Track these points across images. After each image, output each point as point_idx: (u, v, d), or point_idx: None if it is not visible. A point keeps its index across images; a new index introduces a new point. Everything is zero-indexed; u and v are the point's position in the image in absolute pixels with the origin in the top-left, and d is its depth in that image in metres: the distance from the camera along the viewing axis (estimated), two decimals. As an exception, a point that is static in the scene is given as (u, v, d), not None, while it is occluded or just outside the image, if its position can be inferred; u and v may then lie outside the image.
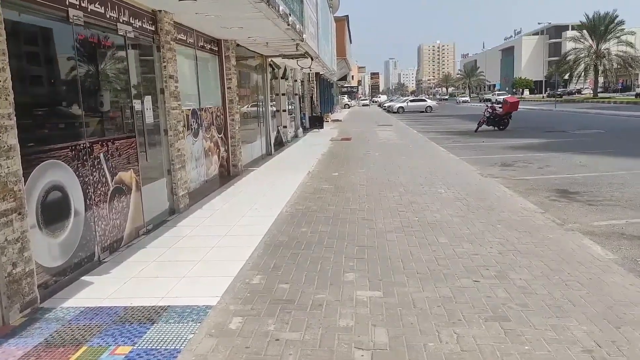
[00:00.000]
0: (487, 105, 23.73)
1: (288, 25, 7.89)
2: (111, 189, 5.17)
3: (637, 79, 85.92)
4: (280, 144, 16.73)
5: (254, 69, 12.88)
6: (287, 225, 6.32)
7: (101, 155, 5.01)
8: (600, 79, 64.14)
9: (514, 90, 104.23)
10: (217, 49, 9.79)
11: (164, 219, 6.61)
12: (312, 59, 13.65)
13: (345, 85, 67.04)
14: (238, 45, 10.51)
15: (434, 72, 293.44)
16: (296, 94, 20.90)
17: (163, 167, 6.84)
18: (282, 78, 17.12)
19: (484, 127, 23.07)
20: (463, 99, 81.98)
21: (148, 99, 6.26)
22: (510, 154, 14.20)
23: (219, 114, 9.78)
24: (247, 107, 12.17)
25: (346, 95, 73.34)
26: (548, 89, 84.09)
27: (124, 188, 5.46)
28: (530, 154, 14.05)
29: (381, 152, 14.49)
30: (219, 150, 9.79)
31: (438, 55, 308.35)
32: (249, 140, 12.06)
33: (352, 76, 69.48)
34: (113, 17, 5.44)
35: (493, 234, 5.81)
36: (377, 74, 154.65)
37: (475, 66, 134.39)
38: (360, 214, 6.95)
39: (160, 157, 6.76)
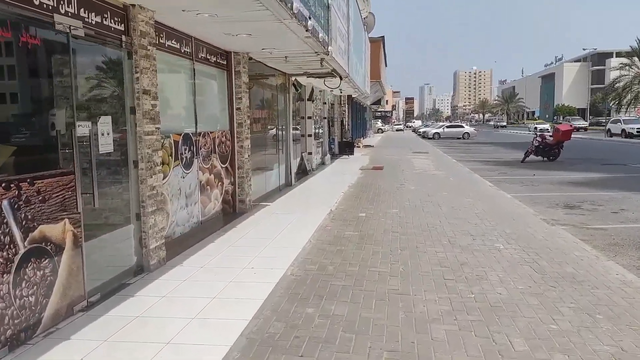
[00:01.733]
0: (535, 134, 21.46)
1: (307, 30, 6.22)
2: (21, 252, 3.49)
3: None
4: (304, 172, 15.01)
5: (274, 89, 11.28)
6: (288, 302, 4.49)
7: (4, 203, 3.34)
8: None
9: (554, 117, 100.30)
10: (225, 62, 8.21)
11: (122, 283, 4.90)
12: (341, 79, 11.99)
13: (379, 109, 65.39)
14: (252, 59, 8.92)
15: (469, 98, 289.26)
16: (325, 118, 19.27)
17: (131, 211, 5.16)
18: (308, 100, 15.51)
19: (532, 157, 20.86)
20: (501, 124, 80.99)
21: (105, 121, 4.63)
22: (571, 192, 12.03)
23: (224, 139, 8.13)
24: (264, 131, 10.54)
25: (380, 120, 71.60)
26: (591, 116, 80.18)
27: (48, 248, 3.77)
28: (596, 193, 11.84)
29: (417, 185, 12.55)
30: (222, 183, 8.11)
31: (474, 81, 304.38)
32: (264, 169, 10.39)
33: (387, 101, 67.84)
34: (47, 4, 3.84)
35: (595, 333, 3.82)
36: (412, 98, 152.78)
37: (513, 92, 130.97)
38: (391, 282, 5.06)
39: (121, 198, 5.09)
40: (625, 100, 56.09)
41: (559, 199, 10.98)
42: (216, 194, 7.82)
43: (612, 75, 79.11)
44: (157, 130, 5.33)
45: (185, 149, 6.61)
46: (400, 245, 6.56)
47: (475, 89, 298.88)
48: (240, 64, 8.35)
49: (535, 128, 24.24)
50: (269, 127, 10.83)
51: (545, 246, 6.50)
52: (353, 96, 28.33)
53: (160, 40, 5.87)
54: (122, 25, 4.91)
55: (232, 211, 8.54)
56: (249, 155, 8.77)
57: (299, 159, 14.84)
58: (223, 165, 8.12)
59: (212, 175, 7.64)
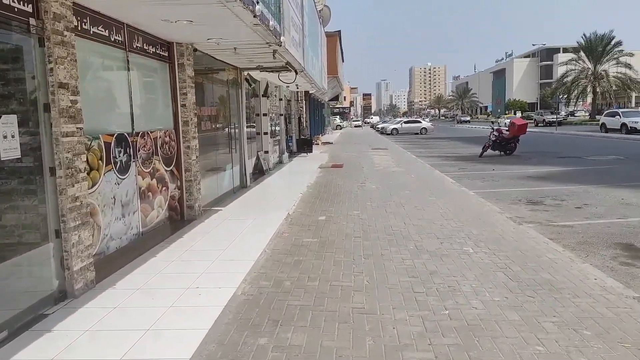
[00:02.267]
0: (492, 128, 21.54)
1: (255, 16, 5.54)
2: None
3: (631, 102, 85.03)
4: (260, 172, 14.30)
5: (225, 84, 10.52)
6: (237, 331, 3.83)
7: None
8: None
9: (507, 112, 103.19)
10: (166, 54, 7.42)
11: (40, 314, 4.11)
12: (296, 73, 11.35)
13: (337, 106, 65.12)
14: (198, 51, 8.15)
15: (425, 94, 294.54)
16: (281, 115, 18.58)
17: (49, 227, 4.36)
18: (263, 96, 14.78)
19: (489, 151, 20.91)
20: (464, 118, 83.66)
21: (8, 121, 3.82)
22: (532, 187, 11.86)
23: (167, 139, 7.35)
24: (215, 130, 9.77)
25: (338, 117, 71.36)
26: (541, 110, 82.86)
27: None
28: (556, 187, 11.72)
29: (379, 184, 12.09)
30: (167, 188, 7.33)
31: (430, 77, 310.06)
32: (215, 170, 9.63)
33: (345, 97, 67.62)
34: None
35: (587, 355, 3.37)
36: (370, 94, 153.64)
37: (467, 88, 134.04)
38: (356, 298, 4.49)
39: (37, 212, 4.29)
40: (573, 94, 58.06)
41: (521, 195, 10.75)
42: (160, 200, 7.04)
43: (560, 70, 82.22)
44: (79, 131, 4.54)
45: (119, 152, 5.81)
46: (364, 252, 6.01)
47: (430, 84, 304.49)
48: (184, 55, 7.58)
49: (492, 122, 24.24)
50: (220, 125, 10.07)
51: (516, 248, 6.10)
52: (310, 92, 27.73)
53: (83, 26, 5.06)
54: (30, 5, 4.10)
55: (179, 218, 7.77)
56: (197, 157, 8.02)
57: (254, 159, 14.12)
58: (167, 169, 7.34)
59: (155, 180, 6.85)
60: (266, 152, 15.12)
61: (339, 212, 8.62)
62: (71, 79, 4.42)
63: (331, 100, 48.95)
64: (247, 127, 12.87)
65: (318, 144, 28.92)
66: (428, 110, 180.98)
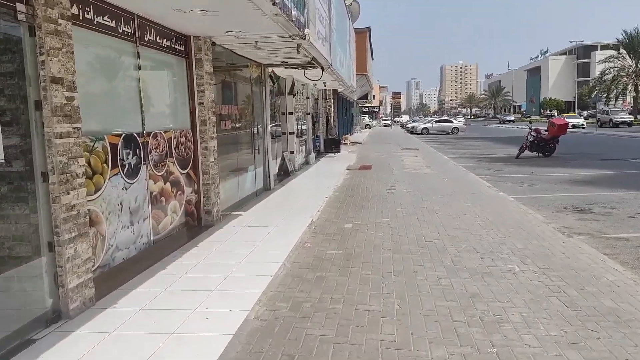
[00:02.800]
0: (530, 128, 20.47)
1: (274, 4, 4.97)
2: None
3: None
4: (285, 174, 13.78)
5: (248, 81, 10.01)
6: (244, 369, 3.27)
7: None
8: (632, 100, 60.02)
9: (541, 111, 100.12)
10: (183, 48, 6.94)
11: (28, 338, 3.65)
12: (323, 70, 10.77)
13: (367, 105, 64.24)
14: (216, 45, 7.65)
15: (456, 93, 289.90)
16: (308, 113, 18.03)
17: (41, 240, 3.90)
18: (289, 94, 14.25)
19: (526, 153, 19.87)
20: (508, 117, 78.43)
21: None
22: (576, 192, 10.96)
23: (183, 140, 6.87)
24: (237, 129, 9.27)
25: (367, 115, 70.45)
26: (578, 110, 79.95)
27: None
28: (603, 193, 10.78)
29: (409, 187, 11.39)
30: (183, 192, 6.85)
31: (461, 75, 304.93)
32: (236, 173, 9.13)
33: (374, 96, 66.66)
34: None
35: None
36: (399, 93, 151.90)
37: (500, 86, 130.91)
38: (385, 328, 3.86)
39: (29, 222, 3.83)
40: (613, 93, 55.61)
41: (565, 201, 9.89)
42: (174, 205, 6.56)
43: (597, 68, 78.86)
44: (77, 132, 4.06)
45: (127, 154, 5.34)
46: (394, 268, 5.37)
47: (461, 83, 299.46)
48: (202, 50, 7.08)
49: (530, 122, 23.14)
50: (242, 124, 9.57)
51: (569, 266, 5.36)
52: (339, 90, 27.12)
53: (86, 16, 4.59)
54: (18, -10, 3.63)
55: (196, 224, 7.29)
56: (215, 158, 7.52)
57: (279, 159, 13.60)
58: (183, 171, 6.86)
59: (169, 184, 6.37)
60: (292, 152, 14.59)
61: (366, 219, 7.99)
62: (67, 73, 3.94)
63: (360, 98, 48.20)
64: (272, 126, 12.36)
65: (346, 143, 28.28)
66: (459, 109, 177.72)
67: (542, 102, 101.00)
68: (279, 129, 14.00)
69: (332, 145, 21.46)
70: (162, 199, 6.20)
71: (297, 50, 7.78)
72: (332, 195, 10.34)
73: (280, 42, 7.64)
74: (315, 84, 18.52)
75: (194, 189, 7.23)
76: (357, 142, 29.99)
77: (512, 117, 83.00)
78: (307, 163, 17.15)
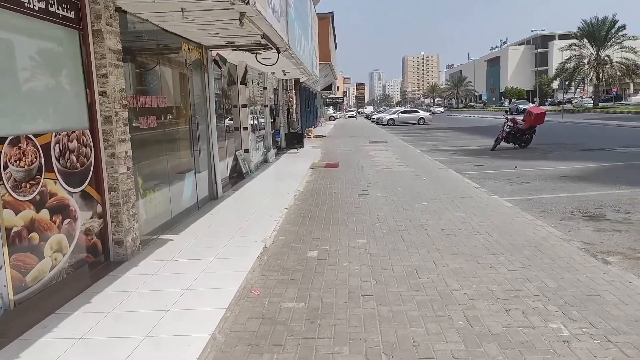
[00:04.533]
0: (507, 118, 19.10)
1: None
2: None
3: (629, 89, 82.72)
4: (239, 176, 11.79)
5: (183, 66, 7.95)
6: None
7: None
8: (590, 88, 60.41)
9: (501, 100, 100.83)
10: (73, 16, 4.87)
11: None
12: (279, 52, 8.82)
13: (331, 96, 62.40)
14: (124, 12, 5.60)
15: (418, 83, 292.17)
16: (266, 106, 16.01)
17: None
18: (241, 83, 12.22)
19: (502, 144, 18.52)
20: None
21: None
22: (575, 191, 9.47)
23: (74, 145, 4.81)
24: (169, 126, 7.23)
25: (331, 107, 68.66)
26: (536, 99, 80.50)
27: None
28: (606, 192, 9.35)
29: (385, 191, 9.61)
30: (75, 220, 4.80)
31: (422, 66, 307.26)
32: (168, 182, 7.09)
33: (338, 87, 64.81)
34: None
35: None
36: (363, 84, 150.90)
37: (461, 77, 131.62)
38: None
39: None
40: (575, 81, 55.70)
41: (569, 204, 8.35)
42: (58, 241, 4.52)
43: (556, 57, 79.03)
44: None
45: (-50, 174, 3.28)
46: (384, 338, 3.53)
47: (423, 74, 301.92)
48: (102, 18, 5.02)
49: (506, 112, 21.87)
50: (175, 119, 7.52)
51: (635, 320, 3.66)
52: (301, 81, 25.15)
53: None
54: None
55: (103, 260, 5.26)
56: (129, 168, 5.49)
57: (231, 160, 11.59)
58: (75, 190, 4.81)
59: (46, 212, 4.32)
60: (246, 150, 12.59)
61: (336, 240, 6.14)
62: None
63: (324, 89, 46.32)
64: (220, 121, 10.34)
65: (310, 137, 26.41)
66: (422, 99, 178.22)
67: (503, 92, 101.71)
68: (232, 123, 11.98)
69: (295, 140, 19.52)
70: (33, 235, 4.15)
71: (241, 21, 5.79)
72: (292, 205, 8.44)
73: (217, 13, 5.66)
74: (274, 73, 16.52)
75: (96, 213, 5.19)
76: (322, 136, 28.14)
77: (440, 109, 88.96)
78: (265, 161, 15.17)
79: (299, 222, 7.19)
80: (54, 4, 4.56)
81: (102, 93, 5.17)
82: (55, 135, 4.52)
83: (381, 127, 41.70)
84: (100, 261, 5.24)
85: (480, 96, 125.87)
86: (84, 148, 4.99)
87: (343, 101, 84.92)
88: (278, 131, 18.81)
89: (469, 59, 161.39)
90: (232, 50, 8.77)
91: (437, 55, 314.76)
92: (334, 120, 61.24)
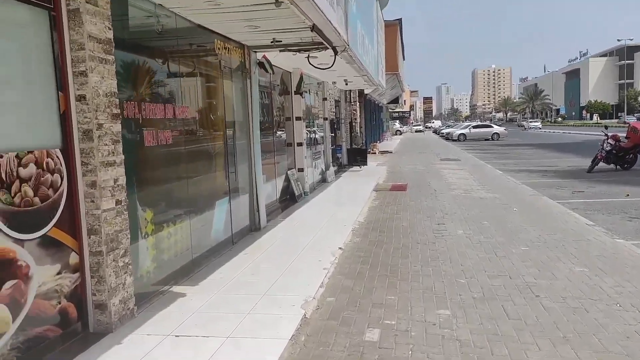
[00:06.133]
0: (607, 135, 16.29)
1: None
2: None
3: None
4: (291, 198, 10.21)
5: (217, 69, 6.48)
6: None
7: None
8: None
9: (582, 114, 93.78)
10: (39, -11, 3.45)
11: None
12: (335, 52, 7.18)
13: (397, 109, 60.16)
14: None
15: (489, 97, 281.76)
16: (326, 119, 14.42)
17: None
18: (295, 93, 10.68)
19: (601, 165, 15.76)
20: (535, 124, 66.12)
21: None
22: None
23: (35, 172, 3.35)
24: (190, 142, 5.74)
25: (397, 121, 66.33)
26: (622, 113, 73.60)
27: None
28: None
29: (467, 225, 7.62)
30: (26, 280, 3.31)
31: (493, 79, 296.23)
32: (192, 212, 5.56)
33: (405, 100, 62.41)
34: None
35: None
36: (430, 98, 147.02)
37: (537, 90, 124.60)
38: None
39: None
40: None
41: None
42: (-9, 315, 3.02)
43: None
44: None
45: None
46: None
47: (494, 87, 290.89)
48: (80, -7, 3.56)
49: (605, 127, 18.94)
50: (204, 133, 6.02)
51: None
52: (366, 92, 23.45)
53: None
54: None
55: (79, 331, 3.75)
56: (120, 202, 3.97)
57: (282, 180, 10.03)
58: (28, 236, 3.32)
59: (-34, 274, 2.84)
60: (300, 169, 10.99)
61: (407, 311, 4.28)
62: None
63: (390, 102, 44.33)
64: (267, 135, 8.83)
65: (375, 152, 24.56)
66: (494, 113, 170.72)
67: (584, 106, 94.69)
68: (283, 138, 10.46)
69: (357, 157, 17.77)
70: None
71: (276, 1, 4.16)
72: (349, 244, 6.67)
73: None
74: (334, 83, 14.92)
75: (69, 265, 3.69)
76: (388, 152, 26.19)
77: (538, 123, 71.68)
78: (323, 181, 13.52)
79: (355, 273, 5.39)
80: (2, -32, 3.14)
81: (80, 98, 3.69)
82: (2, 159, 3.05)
83: (451, 142, 39.08)
84: (75, 332, 3.73)
85: (558, 110, 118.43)
86: (48, 175, 3.51)
87: (410, 115, 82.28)
88: (339, 147, 17.16)
89: (544, 71, 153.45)
90: (280, 51, 7.21)
91: (509, 68, 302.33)
92: (401, 134, 58.91)
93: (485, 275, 5.21)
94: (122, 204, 4.01)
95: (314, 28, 5.57)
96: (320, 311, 4.30)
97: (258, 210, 7.56)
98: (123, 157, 4.02)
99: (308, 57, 7.40)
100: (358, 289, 4.85)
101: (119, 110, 3.98)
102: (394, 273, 5.35)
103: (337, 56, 7.34)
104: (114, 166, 3.91)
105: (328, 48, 7.00)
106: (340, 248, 6.31)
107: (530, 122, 73.22)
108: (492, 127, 44.74)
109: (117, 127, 3.96)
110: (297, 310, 4.18)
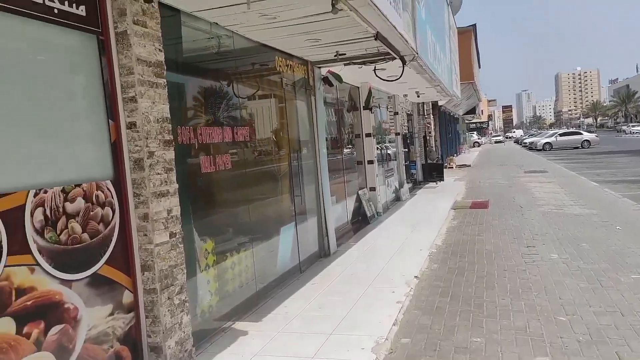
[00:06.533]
0: None
1: None
2: None
3: None
4: (363, 220, 9.73)
5: (280, 87, 6.22)
6: None
7: None
8: None
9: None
10: (84, 13, 3.31)
11: None
12: (403, 62, 6.68)
13: (474, 120, 57.89)
14: (176, 10, 3.96)
15: (575, 102, 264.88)
16: (398, 134, 13.83)
17: None
18: (364, 108, 10.26)
19: None
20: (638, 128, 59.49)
21: None
22: None
23: (84, 206, 3.17)
24: (252, 164, 5.49)
25: (475, 132, 63.77)
26: None
27: None
28: None
29: (562, 248, 6.72)
30: (75, 324, 3.11)
31: (579, 83, 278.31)
32: (254, 240, 5.27)
33: (482, 110, 59.87)
34: None
35: None
36: (510, 106, 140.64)
37: (630, 91, 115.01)
38: None
39: None
40: None
41: None
42: (35, 363, 2.82)
43: None
44: None
45: None
46: None
47: (581, 91, 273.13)
48: (127, 15, 3.39)
49: None
50: (267, 155, 5.75)
51: None
52: (440, 104, 22.52)
53: None
54: None
55: (130, 374, 3.50)
56: (175, 234, 3.72)
57: (352, 201, 9.58)
58: (76, 277, 3.12)
59: (8, 321, 2.66)
60: (372, 189, 10.49)
61: (496, 357, 3.63)
62: None
63: (466, 113, 42.66)
64: (336, 154, 8.46)
65: (452, 167, 23.49)
66: (582, 119, 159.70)
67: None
68: (353, 156, 10.05)
69: (433, 172, 16.95)
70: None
71: (334, 6, 3.79)
72: (426, 272, 6.06)
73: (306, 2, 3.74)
74: (406, 96, 14.33)
75: (122, 305, 3.47)
76: (465, 165, 24.95)
77: None
78: (397, 199, 12.90)
79: (433, 307, 4.80)
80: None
81: (131, 125, 3.50)
82: (34, 194, 2.88)
83: (535, 152, 36.69)
84: (124, 378, 3.49)
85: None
86: (98, 209, 3.32)
87: (488, 125, 78.96)
88: (413, 162, 16.44)
89: (637, 71, 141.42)
90: (345, 64, 6.83)
91: (596, 70, 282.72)
92: (479, 146, 56.48)
93: (590, 311, 4.41)
94: (177, 236, 3.76)
95: (377, 36, 5.14)
96: (393, 356, 3.77)
97: (327, 235, 7.16)
98: (177, 185, 3.78)
99: (375, 69, 6.95)
100: (437, 328, 4.25)
101: (171, 137, 3.76)
102: (479, 308, 4.69)
103: (405, 66, 6.83)
104: (167, 196, 3.67)
105: (395, 58, 6.52)
106: (415, 277, 5.73)
107: (633, 126, 65.62)
108: (582, 134, 41.51)
109: (170, 154, 3.73)
110: (368, 355, 3.68)
